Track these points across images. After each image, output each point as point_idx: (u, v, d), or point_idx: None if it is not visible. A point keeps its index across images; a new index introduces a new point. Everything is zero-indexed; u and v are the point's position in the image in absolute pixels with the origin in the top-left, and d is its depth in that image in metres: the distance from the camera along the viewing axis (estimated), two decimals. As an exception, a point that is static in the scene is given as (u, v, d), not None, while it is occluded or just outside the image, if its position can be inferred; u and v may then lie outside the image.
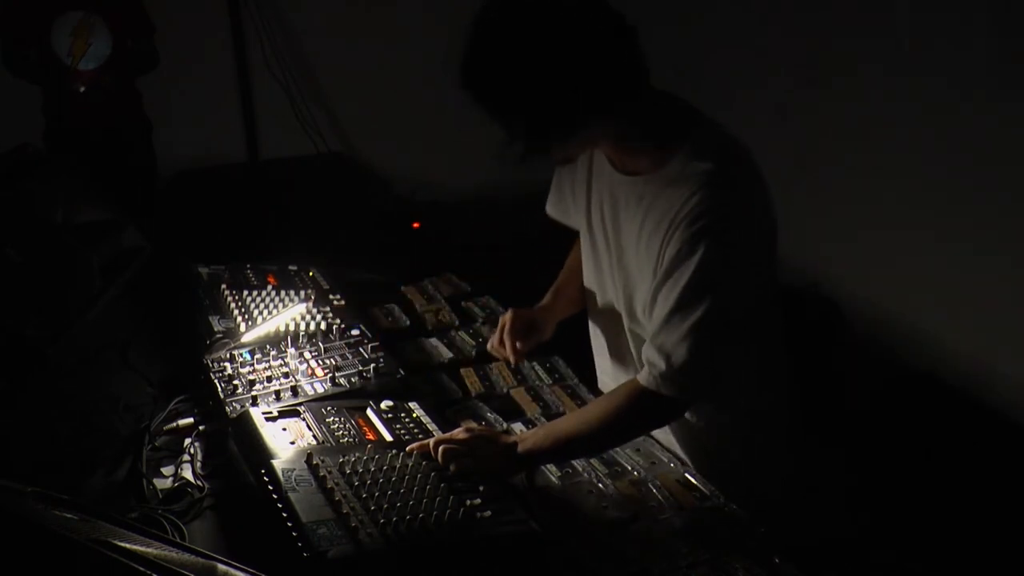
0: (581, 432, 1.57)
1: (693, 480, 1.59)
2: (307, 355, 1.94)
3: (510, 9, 1.39)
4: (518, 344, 1.90)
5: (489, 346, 1.96)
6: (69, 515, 1.05)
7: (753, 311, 1.50)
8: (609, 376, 1.90)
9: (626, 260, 1.66)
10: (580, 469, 1.62)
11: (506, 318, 1.92)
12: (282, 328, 2.04)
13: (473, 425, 1.72)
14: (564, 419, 1.66)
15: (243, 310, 2.12)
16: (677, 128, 1.52)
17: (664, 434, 1.74)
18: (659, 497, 1.54)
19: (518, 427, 1.76)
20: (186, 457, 1.66)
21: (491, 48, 1.39)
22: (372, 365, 1.89)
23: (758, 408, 1.70)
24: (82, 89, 3.52)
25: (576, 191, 1.77)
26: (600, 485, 1.57)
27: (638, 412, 1.56)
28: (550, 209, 1.91)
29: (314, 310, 2.14)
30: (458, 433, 1.59)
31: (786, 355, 1.71)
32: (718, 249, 1.44)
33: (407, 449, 1.56)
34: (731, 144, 1.52)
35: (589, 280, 1.84)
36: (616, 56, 1.39)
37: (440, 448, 1.53)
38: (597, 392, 1.90)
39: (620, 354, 1.82)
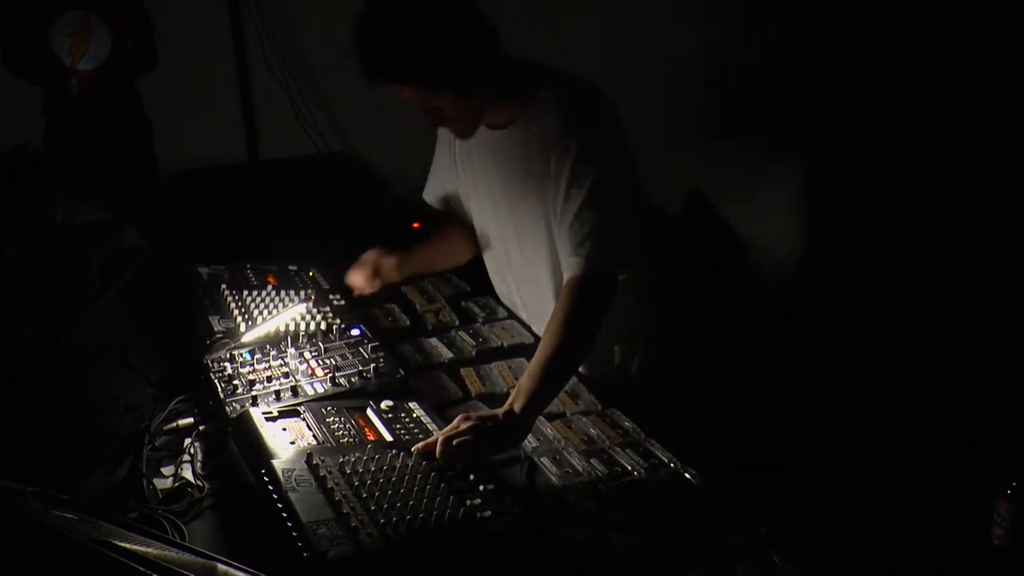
0: (551, 353, 1.70)
1: (693, 480, 1.59)
2: (307, 355, 1.94)
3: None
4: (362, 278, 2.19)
5: (350, 279, 2.21)
6: (69, 515, 1.05)
7: (628, 195, 1.84)
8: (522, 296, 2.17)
9: (515, 202, 1.94)
10: (580, 469, 1.62)
11: (364, 258, 2.20)
12: (282, 328, 2.04)
13: (469, 413, 1.72)
14: (535, 356, 1.74)
15: (243, 310, 2.12)
16: (531, 77, 1.85)
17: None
18: (659, 497, 1.54)
19: (518, 427, 1.76)
20: (186, 457, 1.66)
21: (383, 26, 1.69)
22: (372, 365, 1.89)
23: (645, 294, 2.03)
24: (82, 89, 3.52)
25: (454, 160, 2.08)
26: (600, 485, 1.57)
27: (583, 303, 1.75)
28: (427, 194, 2.25)
29: (314, 310, 2.14)
30: (460, 423, 1.60)
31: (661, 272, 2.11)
32: (585, 148, 1.77)
33: (412, 450, 1.56)
34: (579, 82, 1.85)
35: (481, 235, 2.15)
36: (473, 15, 1.71)
37: (453, 443, 1.54)
38: (600, 395, 1.90)
39: (509, 288, 2.19)
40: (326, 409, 1.73)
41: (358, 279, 2.20)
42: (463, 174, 2.08)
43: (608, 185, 1.77)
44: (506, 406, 1.65)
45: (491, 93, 1.81)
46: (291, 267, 2.44)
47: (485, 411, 1.68)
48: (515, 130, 1.87)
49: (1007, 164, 3.00)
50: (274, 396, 1.78)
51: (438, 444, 1.56)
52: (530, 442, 1.70)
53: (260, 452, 1.54)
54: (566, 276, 1.79)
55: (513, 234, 2.01)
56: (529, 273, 2.05)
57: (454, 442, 1.55)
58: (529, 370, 1.71)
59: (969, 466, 2.66)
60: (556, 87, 1.83)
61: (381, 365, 1.91)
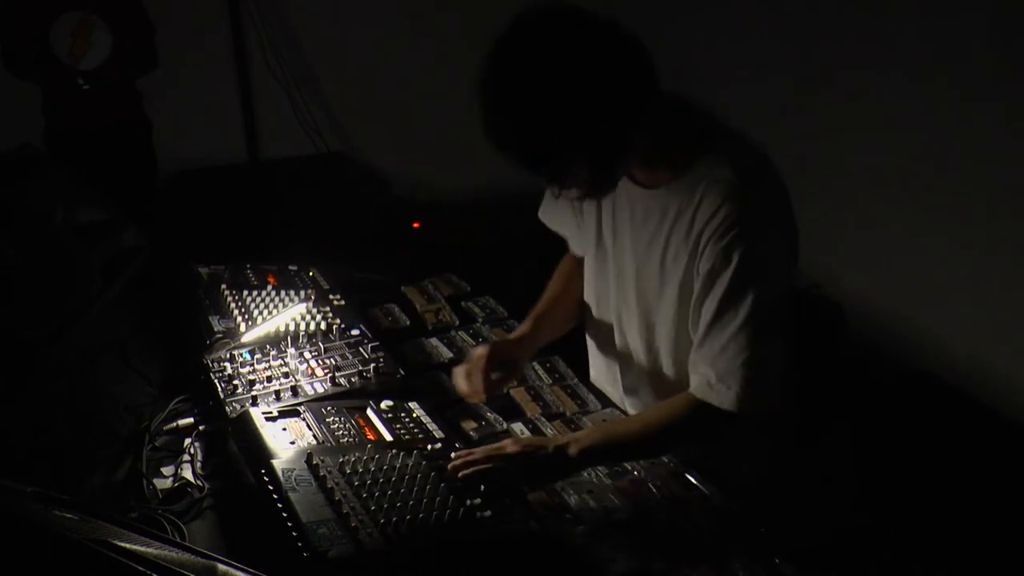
0: (639, 438, 1.57)
1: (693, 480, 1.59)
2: (307, 355, 1.94)
3: (519, 59, 1.35)
4: (492, 375, 1.76)
5: (458, 381, 1.77)
6: (69, 515, 1.05)
7: (784, 315, 1.51)
8: (604, 377, 1.90)
9: (647, 271, 1.63)
10: (580, 469, 1.62)
11: (480, 353, 1.75)
12: (282, 328, 2.04)
13: (520, 436, 1.70)
14: (621, 422, 1.68)
15: (243, 310, 2.12)
16: (695, 136, 1.51)
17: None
18: (659, 497, 1.54)
19: (518, 427, 1.76)
20: (186, 457, 1.66)
21: (519, 101, 1.34)
22: (372, 365, 1.89)
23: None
24: (84, 87, 3.52)
25: (584, 204, 1.73)
26: (600, 485, 1.57)
27: (695, 422, 1.54)
28: (543, 215, 1.90)
29: (314, 310, 2.14)
30: (508, 445, 1.54)
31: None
32: (749, 259, 1.46)
33: (450, 468, 1.50)
34: (750, 152, 1.52)
35: (590, 291, 1.83)
36: (629, 67, 1.36)
37: (493, 464, 1.50)
38: (600, 395, 1.90)
39: (610, 366, 1.85)
40: (326, 409, 1.73)
41: (472, 383, 1.75)
42: (588, 215, 1.75)
43: (771, 306, 1.47)
44: (560, 440, 1.54)
45: (641, 152, 1.48)
46: (291, 267, 2.44)
47: (537, 440, 1.60)
48: (666, 194, 1.54)
49: None
50: (274, 396, 1.78)
51: (479, 456, 1.51)
52: (530, 442, 1.69)
53: (260, 452, 1.54)
54: (698, 392, 1.53)
55: (634, 303, 1.69)
56: (645, 353, 1.74)
57: (494, 465, 1.49)
58: (607, 429, 1.64)
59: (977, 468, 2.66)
60: (724, 158, 1.49)
61: (381, 365, 1.91)
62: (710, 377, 1.50)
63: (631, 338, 1.75)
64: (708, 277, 1.49)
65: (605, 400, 1.88)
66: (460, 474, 1.48)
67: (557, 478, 1.55)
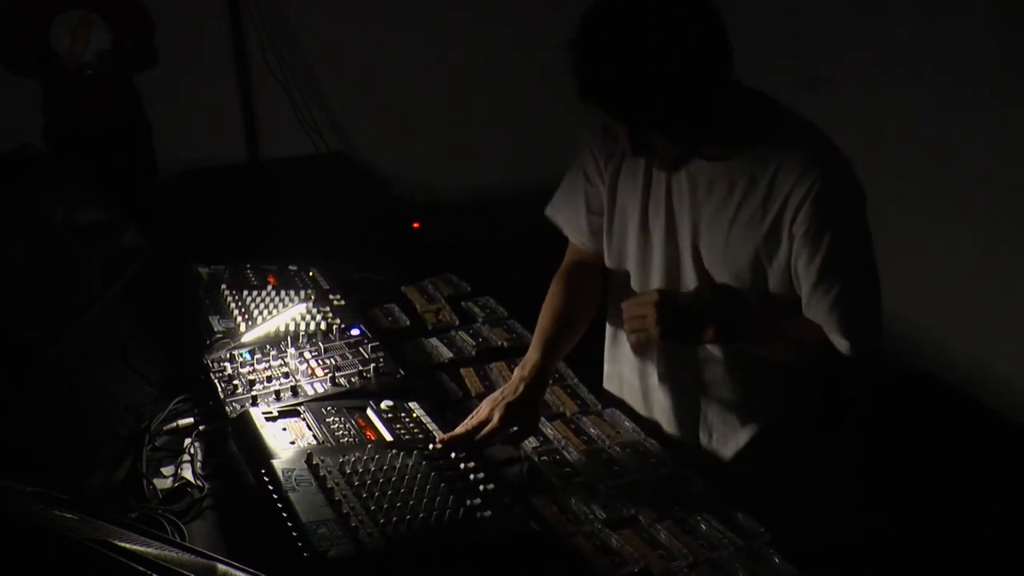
0: (792, 335, 1.62)
1: (693, 480, 1.59)
2: (307, 355, 1.94)
3: (626, 10, 1.41)
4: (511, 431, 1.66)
5: (454, 441, 1.61)
6: (69, 515, 1.05)
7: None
8: (626, 367, 1.86)
9: (709, 239, 1.63)
10: (580, 469, 1.62)
11: (494, 420, 1.63)
12: (282, 328, 2.04)
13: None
14: (769, 319, 1.65)
15: (243, 310, 2.12)
16: (763, 110, 1.57)
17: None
18: (659, 498, 1.54)
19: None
20: (186, 457, 1.66)
21: (619, 52, 1.39)
22: (372, 365, 1.89)
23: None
24: (85, 84, 3.52)
25: (621, 184, 1.72)
26: (600, 485, 1.57)
27: (826, 356, 1.61)
28: (552, 212, 1.85)
29: (314, 310, 2.14)
30: (645, 304, 1.57)
31: None
32: (846, 215, 1.53)
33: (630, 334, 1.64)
34: (813, 126, 1.58)
35: (623, 280, 1.77)
36: (719, 33, 1.44)
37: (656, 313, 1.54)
38: (598, 394, 1.90)
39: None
40: (326, 409, 1.73)
41: (478, 441, 1.63)
42: (628, 206, 1.72)
43: (869, 242, 1.57)
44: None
45: (714, 125, 1.52)
46: (291, 267, 2.44)
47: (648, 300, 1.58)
48: (737, 163, 1.57)
49: None
50: (274, 396, 1.78)
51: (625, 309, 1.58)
52: (530, 442, 1.70)
53: (260, 452, 1.54)
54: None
55: (692, 274, 1.66)
56: None
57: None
58: (758, 319, 1.63)
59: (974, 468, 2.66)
60: (795, 129, 1.56)
61: (381, 365, 1.91)
62: (828, 327, 1.57)
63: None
64: (808, 237, 1.52)
65: (605, 400, 1.87)
66: (633, 340, 1.60)
67: (687, 336, 1.60)
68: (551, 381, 1.93)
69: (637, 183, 1.68)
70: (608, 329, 1.90)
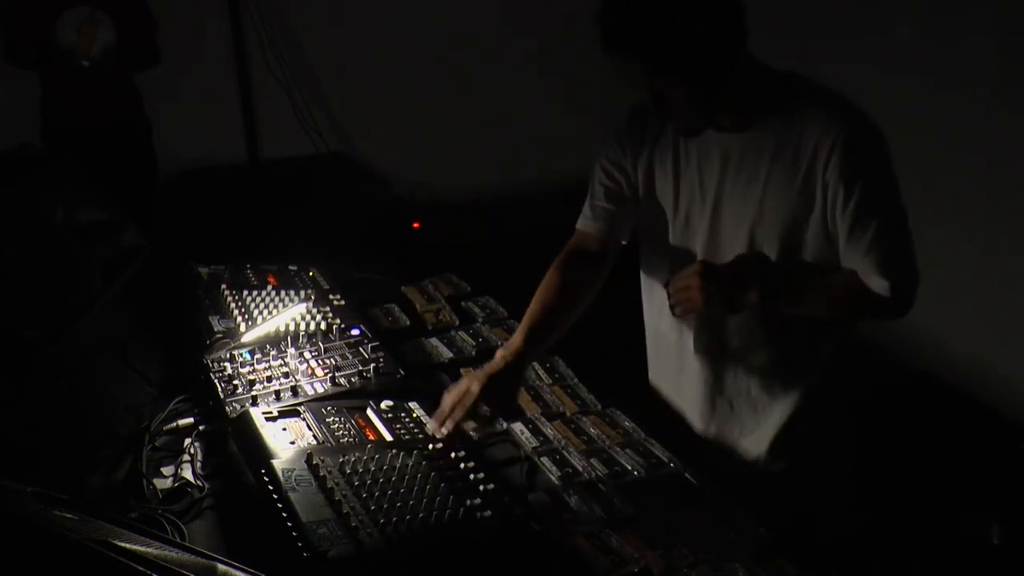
0: (837, 283, 1.63)
1: (693, 480, 1.59)
2: (307, 355, 1.94)
3: None
4: (483, 410, 1.69)
5: (440, 421, 1.67)
6: (69, 515, 1.05)
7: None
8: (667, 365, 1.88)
9: (744, 208, 1.66)
10: (580, 469, 1.62)
11: (473, 392, 1.67)
12: (282, 328, 2.04)
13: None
14: (810, 276, 1.66)
15: (243, 310, 2.12)
16: (779, 80, 1.62)
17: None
18: (659, 497, 1.54)
19: (518, 427, 1.76)
20: (186, 457, 1.66)
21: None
22: (372, 365, 1.90)
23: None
24: (85, 83, 3.52)
25: (653, 169, 1.76)
26: (600, 485, 1.57)
27: (871, 308, 1.64)
28: (590, 225, 1.83)
29: (314, 310, 2.14)
30: (692, 271, 1.58)
31: None
32: (877, 162, 1.60)
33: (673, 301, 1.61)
34: (825, 86, 1.64)
35: (663, 264, 1.80)
36: (738, 3, 1.51)
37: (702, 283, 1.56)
38: (600, 395, 1.90)
39: (678, 328, 1.82)
40: (326, 409, 1.73)
41: (453, 417, 1.67)
42: (662, 191, 1.76)
43: (898, 187, 1.61)
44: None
45: (730, 90, 1.57)
46: (291, 267, 2.44)
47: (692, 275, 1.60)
48: (761, 131, 1.62)
49: None
50: (274, 396, 1.78)
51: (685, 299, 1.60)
52: (530, 442, 1.70)
53: (260, 452, 1.54)
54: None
55: (730, 241, 1.70)
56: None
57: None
58: (801, 279, 1.64)
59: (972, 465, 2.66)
60: (814, 90, 1.62)
61: (381, 365, 1.91)
62: (867, 270, 1.59)
63: None
64: (841, 182, 1.56)
65: (605, 400, 1.87)
66: (679, 310, 1.60)
67: (733, 300, 1.60)
68: (551, 381, 1.94)
69: (667, 167, 1.73)
70: (646, 315, 1.92)
